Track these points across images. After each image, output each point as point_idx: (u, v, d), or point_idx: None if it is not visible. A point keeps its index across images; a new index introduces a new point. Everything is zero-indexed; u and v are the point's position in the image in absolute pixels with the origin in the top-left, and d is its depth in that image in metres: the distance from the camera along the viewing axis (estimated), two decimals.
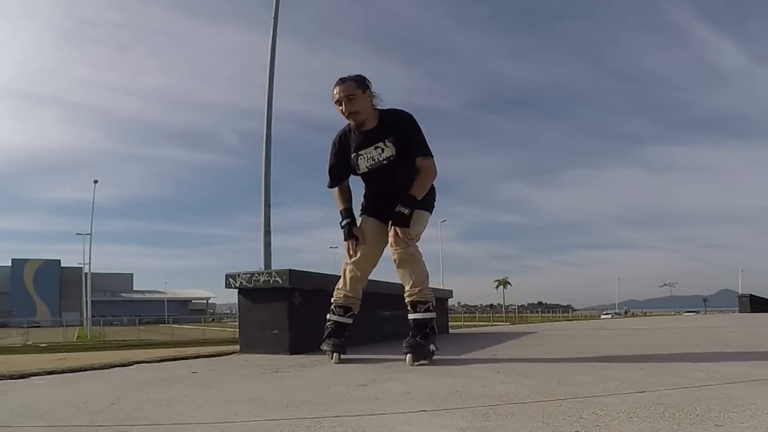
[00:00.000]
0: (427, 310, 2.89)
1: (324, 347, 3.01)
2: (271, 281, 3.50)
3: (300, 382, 2.31)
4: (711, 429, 1.31)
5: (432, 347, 2.86)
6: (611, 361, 2.81)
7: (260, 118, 10.94)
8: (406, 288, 2.91)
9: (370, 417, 1.56)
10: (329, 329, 3.07)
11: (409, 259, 2.85)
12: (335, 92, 2.87)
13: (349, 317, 3.12)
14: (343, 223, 3.06)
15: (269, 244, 10.22)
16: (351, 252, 3.03)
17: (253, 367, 2.87)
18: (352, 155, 2.99)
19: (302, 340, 3.52)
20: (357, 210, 3.14)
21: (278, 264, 11.35)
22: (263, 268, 8.49)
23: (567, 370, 2.51)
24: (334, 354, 2.96)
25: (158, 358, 3.43)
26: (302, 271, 3.66)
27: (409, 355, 2.77)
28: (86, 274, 47.31)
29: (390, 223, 2.83)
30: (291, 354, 3.38)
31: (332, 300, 3.16)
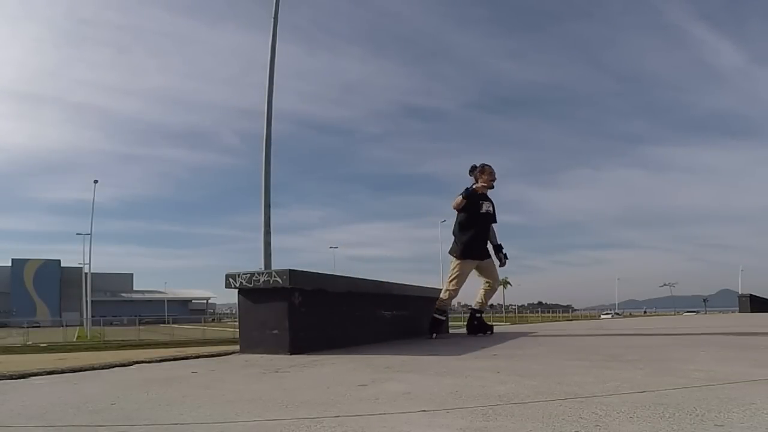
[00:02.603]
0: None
1: (433, 335, 5.06)
2: (271, 281, 3.50)
3: (300, 382, 2.31)
4: (711, 429, 1.31)
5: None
6: (611, 361, 2.81)
7: (260, 118, 10.90)
8: (483, 299, 5.36)
9: (370, 417, 1.56)
10: (435, 324, 5.14)
11: (497, 287, 5.47)
12: (495, 174, 5.29)
13: (444, 316, 5.36)
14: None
15: (269, 244, 10.19)
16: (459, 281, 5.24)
17: (253, 367, 2.87)
18: (480, 202, 5.18)
19: (302, 340, 3.52)
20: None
21: (278, 264, 11.34)
22: (263, 268, 8.49)
23: (567, 370, 2.51)
24: (434, 335, 5.05)
25: (158, 358, 3.42)
26: (302, 271, 3.66)
27: (489, 332, 5.41)
28: (86, 274, 47.19)
29: (495, 260, 5.43)
30: (291, 354, 3.38)
31: (436, 306, 5.21)
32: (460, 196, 5.08)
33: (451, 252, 5.25)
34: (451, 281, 5.16)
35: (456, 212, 5.24)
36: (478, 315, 5.36)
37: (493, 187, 5.24)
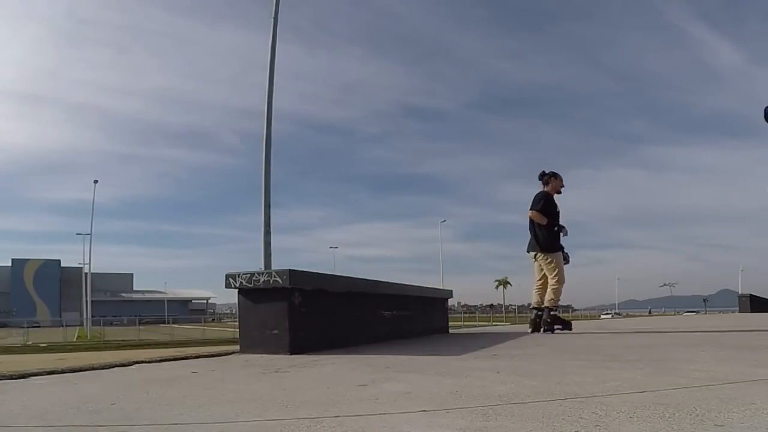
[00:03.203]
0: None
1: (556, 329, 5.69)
2: (271, 281, 3.50)
3: (300, 382, 2.31)
4: (711, 429, 1.31)
5: None
6: (611, 361, 2.81)
7: (260, 118, 10.87)
8: (554, 296, 5.74)
9: (370, 417, 1.56)
10: (558, 320, 5.80)
11: None
12: (563, 182, 6.02)
13: (559, 311, 5.95)
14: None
15: (269, 244, 10.17)
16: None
17: (253, 367, 2.87)
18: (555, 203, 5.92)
19: (302, 340, 3.52)
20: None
21: (278, 264, 11.32)
22: (263, 268, 8.49)
23: (567, 370, 2.51)
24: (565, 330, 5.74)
25: (158, 358, 3.43)
26: (302, 271, 3.66)
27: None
28: (86, 274, 47.17)
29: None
30: (291, 354, 3.38)
31: (553, 303, 5.71)
32: (544, 217, 5.75)
33: (543, 248, 5.70)
34: (555, 277, 5.67)
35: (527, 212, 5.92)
36: (552, 313, 5.74)
37: (560, 192, 5.99)
